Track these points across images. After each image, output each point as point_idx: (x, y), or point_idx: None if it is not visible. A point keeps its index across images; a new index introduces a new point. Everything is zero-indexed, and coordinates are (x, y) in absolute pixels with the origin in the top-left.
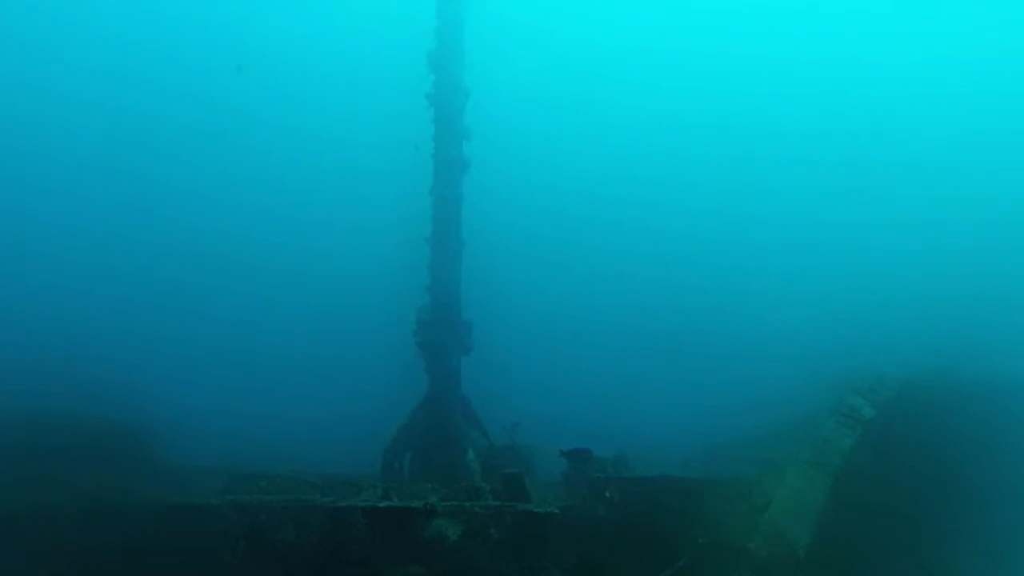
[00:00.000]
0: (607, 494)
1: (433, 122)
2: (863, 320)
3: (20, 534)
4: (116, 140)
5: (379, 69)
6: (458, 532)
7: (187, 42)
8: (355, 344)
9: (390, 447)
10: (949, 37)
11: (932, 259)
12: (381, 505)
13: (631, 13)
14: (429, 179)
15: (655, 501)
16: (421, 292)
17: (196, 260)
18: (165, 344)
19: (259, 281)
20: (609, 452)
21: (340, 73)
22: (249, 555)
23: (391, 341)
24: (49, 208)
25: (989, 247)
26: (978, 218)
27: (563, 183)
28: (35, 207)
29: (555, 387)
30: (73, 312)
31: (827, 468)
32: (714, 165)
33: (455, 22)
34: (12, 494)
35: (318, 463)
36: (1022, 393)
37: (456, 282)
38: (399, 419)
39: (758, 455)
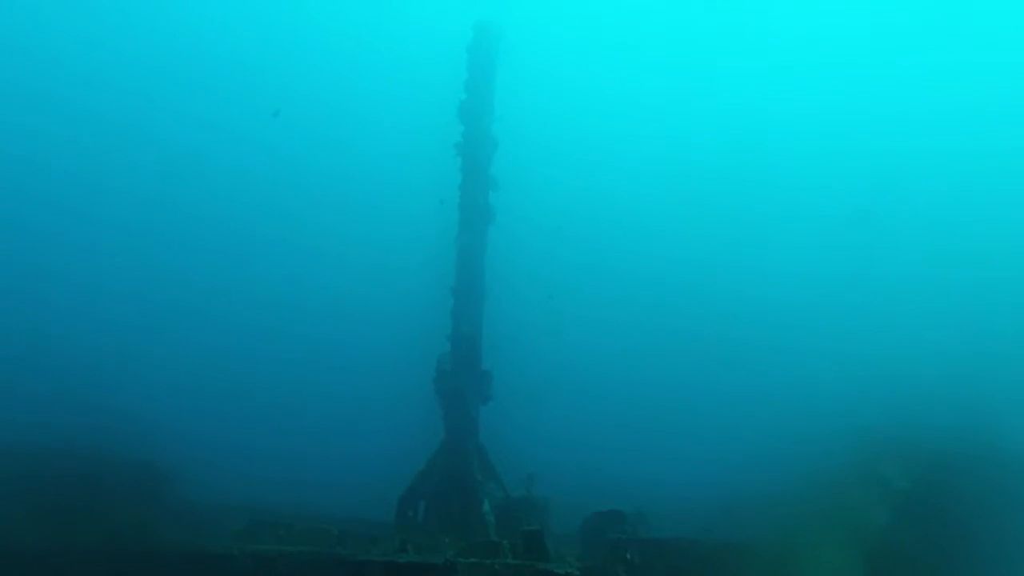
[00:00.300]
0: (628, 555)
1: (460, 172)
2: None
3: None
4: (154, 182)
5: (407, 116)
6: None
7: (226, 86)
8: (375, 386)
9: (405, 495)
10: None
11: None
12: (400, 560)
13: (662, 65)
14: (454, 228)
15: (677, 566)
16: (443, 339)
17: (224, 298)
18: (186, 378)
19: (284, 320)
20: (628, 507)
21: (370, 120)
22: None
23: (411, 385)
24: (80, 240)
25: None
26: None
27: (586, 234)
28: (65, 239)
29: (573, 439)
30: (98, 343)
31: (861, 544)
32: (733, 221)
33: (486, 74)
34: (34, 529)
35: (334, 503)
36: None
37: (478, 331)
38: (415, 463)
39: (781, 517)
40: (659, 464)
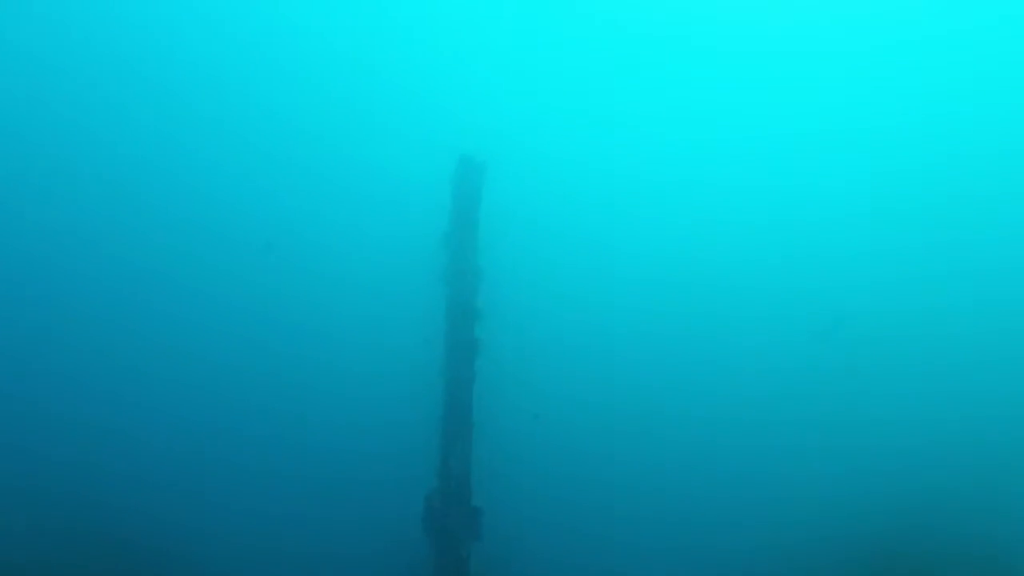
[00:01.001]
0: None
1: (446, 302)
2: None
3: None
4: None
5: (393, 247)
6: None
7: (216, 219)
8: (363, 527)
9: None
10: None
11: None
12: None
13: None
14: (440, 359)
15: None
16: (430, 475)
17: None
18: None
19: (270, 459)
20: None
21: (359, 252)
22: None
23: (399, 522)
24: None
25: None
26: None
27: (574, 365)
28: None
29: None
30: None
31: None
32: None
33: (470, 206)
34: None
35: None
36: None
37: (466, 466)
38: None
39: None
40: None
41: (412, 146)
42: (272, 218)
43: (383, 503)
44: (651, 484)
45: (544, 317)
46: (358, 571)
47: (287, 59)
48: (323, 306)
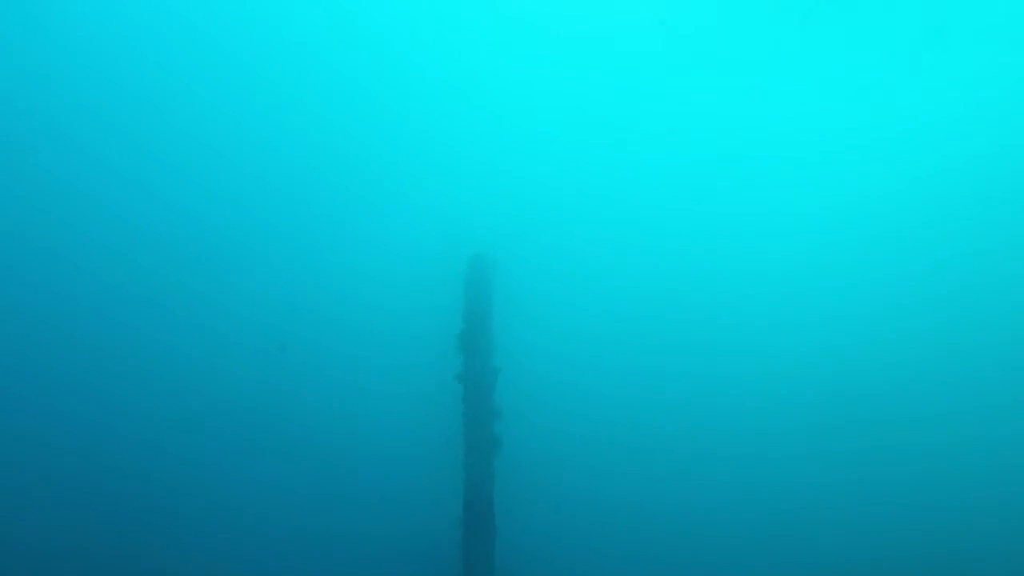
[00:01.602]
0: None
1: (463, 401)
2: None
3: None
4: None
5: (407, 348)
6: None
7: (230, 322)
8: None
9: None
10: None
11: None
12: None
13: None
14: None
15: None
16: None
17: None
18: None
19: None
20: None
21: (373, 352)
22: None
23: None
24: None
25: None
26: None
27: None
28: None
29: None
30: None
31: None
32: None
33: (484, 305)
34: None
35: None
36: None
37: (490, 567)
38: None
39: None
40: None
41: (424, 246)
42: (285, 322)
43: None
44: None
45: (562, 409)
46: None
47: (300, 156)
48: (337, 410)
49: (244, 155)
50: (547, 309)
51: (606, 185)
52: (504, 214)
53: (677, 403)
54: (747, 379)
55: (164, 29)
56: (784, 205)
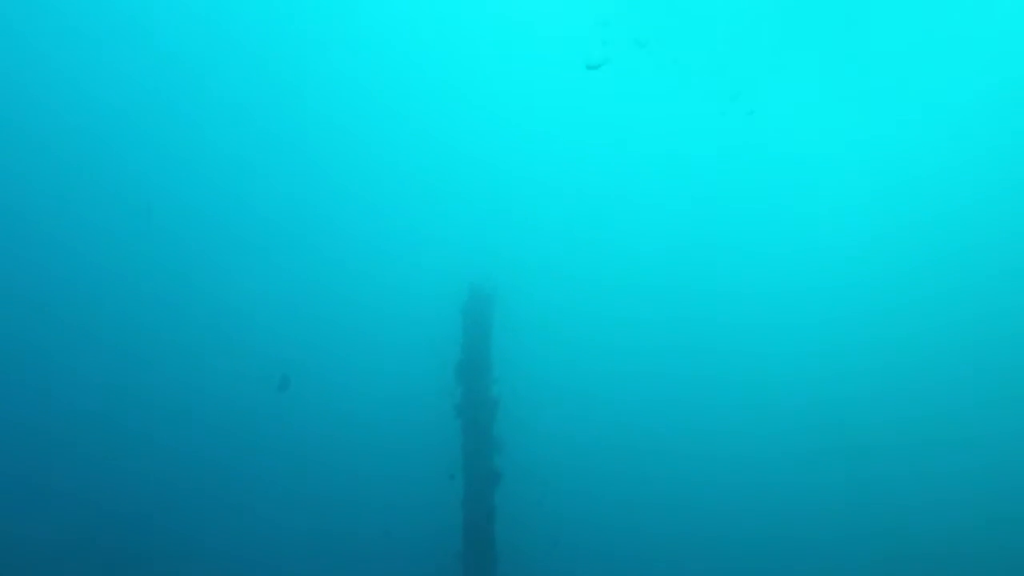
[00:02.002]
0: None
1: (463, 433)
2: None
3: None
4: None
5: (406, 378)
6: None
7: (231, 356)
8: None
9: None
10: None
11: None
12: None
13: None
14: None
15: None
16: None
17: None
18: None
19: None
20: None
21: (372, 384)
22: None
23: None
24: None
25: None
26: None
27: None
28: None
29: None
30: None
31: None
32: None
33: (482, 335)
34: None
35: None
36: None
37: None
38: None
39: None
40: None
41: (421, 281)
42: (284, 353)
43: None
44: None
45: (562, 435)
46: None
47: (302, 182)
48: (339, 442)
49: (249, 175)
50: (546, 339)
51: (605, 214)
52: (502, 245)
53: (679, 432)
54: (750, 408)
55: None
56: (783, 214)
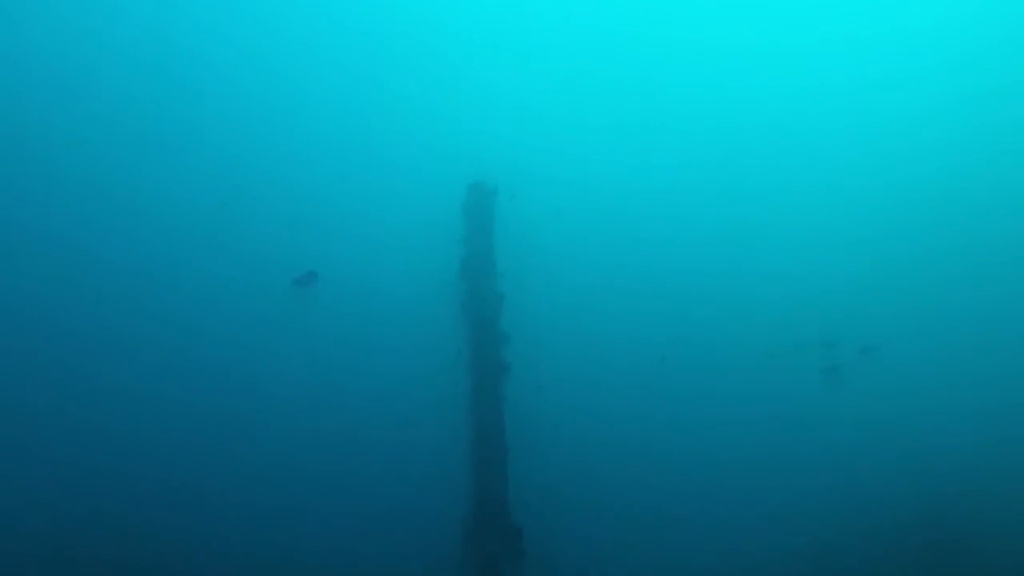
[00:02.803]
0: None
1: (469, 329)
2: None
3: None
4: None
5: (412, 276)
6: None
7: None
8: (396, 549)
9: None
10: None
11: None
12: None
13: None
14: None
15: None
16: (466, 501)
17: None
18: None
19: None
20: None
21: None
22: None
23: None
24: None
25: None
26: None
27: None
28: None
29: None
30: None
31: None
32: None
33: (485, 231)
34: None
35: None
36: None
37: (503, 487)
38: None
39: None
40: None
41: (422, 174)
42: (285, 258)
43: (418, 531)
44: (691, 484)
45: (568, 332)
46: None
47: (295, 81)
48: (343, 341)
49: (244, 77)
50: (551, 233)
51: (612, 105)
52: (503, 139)
53: (687, 326)
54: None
55: None
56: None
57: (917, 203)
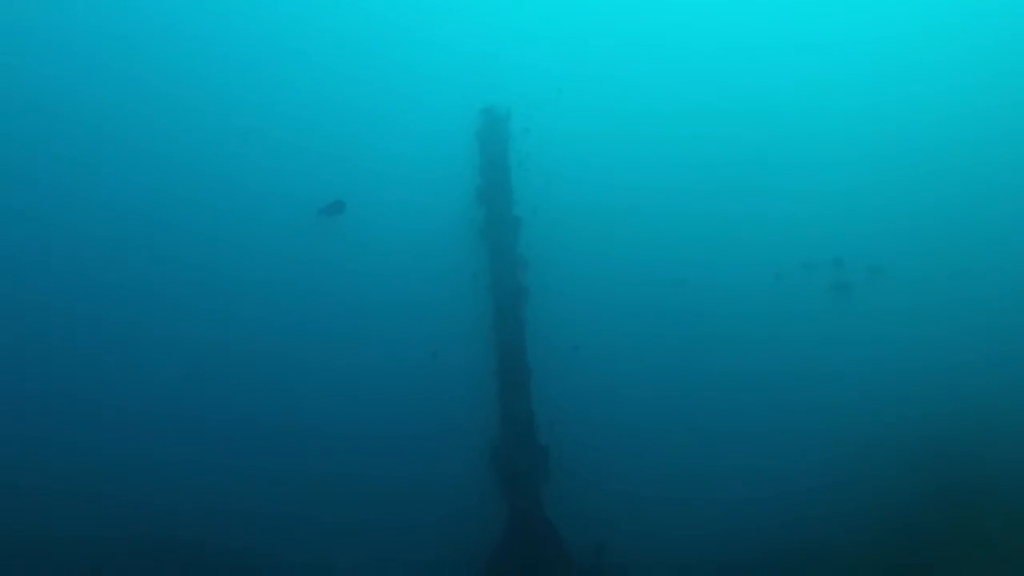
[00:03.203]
0: None
1: (487, 254)
2: None
3: None
4: None
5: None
6: None
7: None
8: (425, 475)
9: None
10: None
11: None
12: None
13: None
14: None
15: None
16: (492, 424)
17: None
18: None
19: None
20: None
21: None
22: None
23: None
24: None
25: None
26: None
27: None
28: None
29: (648, 497)
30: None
31: None
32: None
33: (499, 157)
34: None
35: None
36: None
37: (527, 409)
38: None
39: None
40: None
41: (435, 101)
42: (296, 188)
43: (446, 457)
44: (705, 401)
45: (587, 260)
46: (426, 536)
47: (300, 25)
48: (363, 274)
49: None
50: (566, 159)
51: (629, 31)
52: (517, 65)
53: (706, 244)
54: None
55: None
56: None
57: (923, 125)
